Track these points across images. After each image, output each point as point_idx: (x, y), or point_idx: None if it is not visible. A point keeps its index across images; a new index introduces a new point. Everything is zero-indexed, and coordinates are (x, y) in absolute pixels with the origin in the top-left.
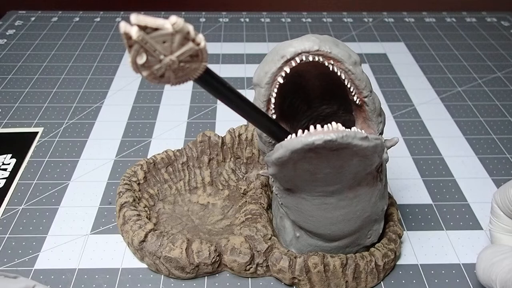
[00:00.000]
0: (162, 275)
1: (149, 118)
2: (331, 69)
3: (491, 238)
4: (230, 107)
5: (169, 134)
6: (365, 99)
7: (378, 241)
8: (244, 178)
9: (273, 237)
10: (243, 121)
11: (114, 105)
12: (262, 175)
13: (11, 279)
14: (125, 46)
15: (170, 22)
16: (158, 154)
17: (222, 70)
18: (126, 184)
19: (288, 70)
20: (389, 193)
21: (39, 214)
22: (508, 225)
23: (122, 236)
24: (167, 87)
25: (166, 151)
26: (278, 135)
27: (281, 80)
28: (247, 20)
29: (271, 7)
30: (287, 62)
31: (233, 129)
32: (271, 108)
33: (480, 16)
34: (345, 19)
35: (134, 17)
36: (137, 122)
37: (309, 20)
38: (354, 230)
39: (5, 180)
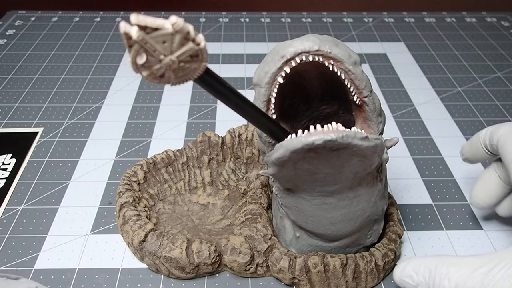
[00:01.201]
0: (162, 275)
1: (149, 118)
2: (331, 69)
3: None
4: (230, 107)
5: (169, 134)
6: (365, 99)
7: (378, 241)
8: (244, 178)
9: (273, 237)
10: (243, 121)
11: (114, 105)
12: (262, 175)
13: (12, 281)
14: (125, 46)
15: (170, 22)
16: (158, 154)
17: (222, 70)
18: (126, 184)
19: (288, 70)
20: (389, 193)
21: (39, 214)
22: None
23: (122, 236)
24: (167, 87)
25: (166, 151)
26: (278, 135)
27: (281, 80)
28: (247, 20)
29: (271, 7)
30: (287, 62)
31: (233, 129)
32: (271, 108)
33: (480, 16)
34: (345, 19)
35: (134, 17)
36: (137, 122)
37: (309, 20)
38: (354, 230)
39: (5, 180)
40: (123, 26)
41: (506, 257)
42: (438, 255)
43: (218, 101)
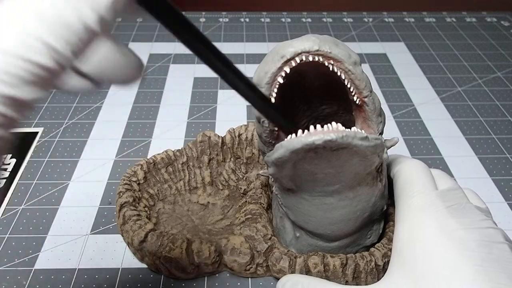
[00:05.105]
0: (162, 275)
1: (149, 118)
2: (331, 69)
3: None
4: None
5: (169, 134)
6: (365, 99)
7: (378, 241)
8: (244, 178)
9: (273, 237)
10: (243, 121)
11: (114, 105)
12: (262, 175)
13: None
14: None
15: None
16: (158, 154)
17: None
18: (126, 184)
19: (288, 70)
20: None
21: (39, 214)
22: None
23: (122, 236)
24: (167, 87)
25: (166, 151)
26: (268, 111)
27: (281, 80)
28: (247, 20)
29: (271, 7)
30: (287, 62)
31: (233, 129)
32: None
33: (480, 16)
34: (345, 19)
35: None
36: (137, 122)
37: (309, 20)
38: (354, 230)
39: (5, 180)
40: None
41: None
42: (321, 279)
43: (218, 101)
